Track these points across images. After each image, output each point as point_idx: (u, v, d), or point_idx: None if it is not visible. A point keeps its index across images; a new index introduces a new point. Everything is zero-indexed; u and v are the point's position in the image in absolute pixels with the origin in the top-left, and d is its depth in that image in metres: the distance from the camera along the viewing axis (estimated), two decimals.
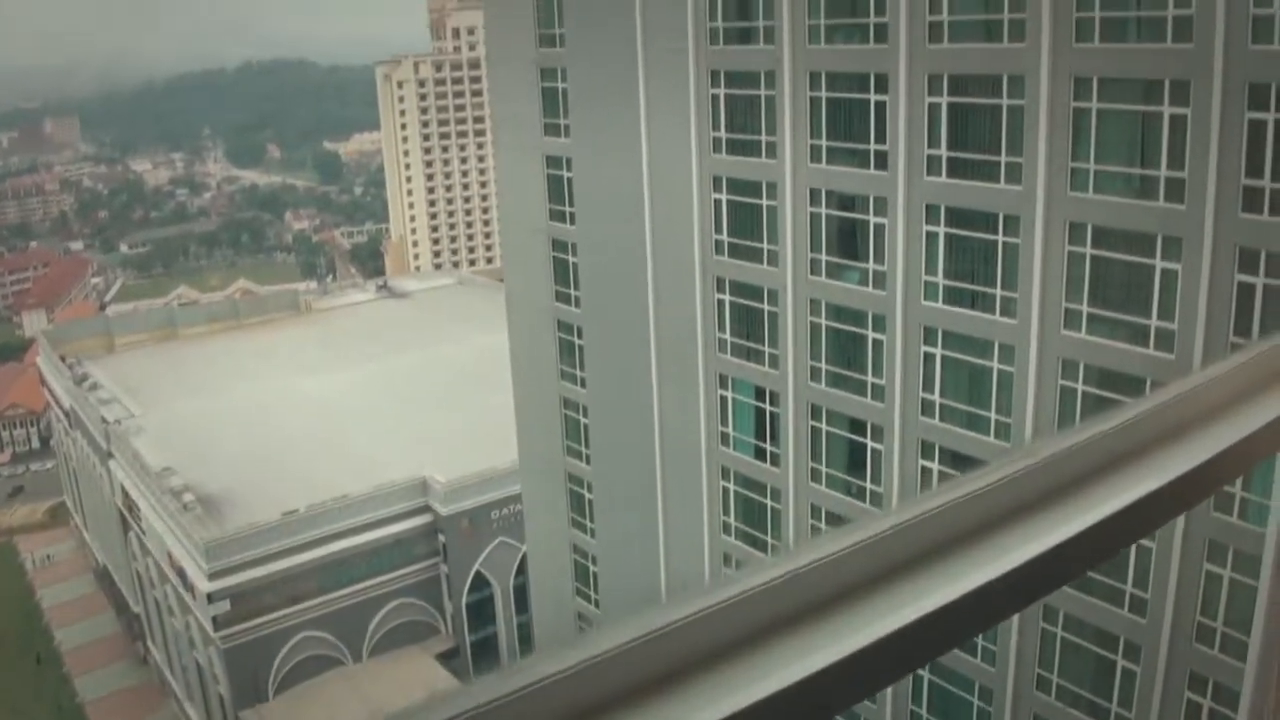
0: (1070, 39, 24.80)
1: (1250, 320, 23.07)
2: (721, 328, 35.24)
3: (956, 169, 27.91)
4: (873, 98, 29.27)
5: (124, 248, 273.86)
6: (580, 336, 41.33)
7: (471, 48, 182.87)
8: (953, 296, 28.82)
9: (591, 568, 44.09)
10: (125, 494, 78.86)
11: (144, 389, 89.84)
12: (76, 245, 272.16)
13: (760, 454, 35.31)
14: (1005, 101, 26.50)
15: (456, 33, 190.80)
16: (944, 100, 27.76)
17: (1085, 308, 26.03)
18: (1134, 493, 1.81)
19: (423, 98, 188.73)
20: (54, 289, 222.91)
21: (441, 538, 71.57)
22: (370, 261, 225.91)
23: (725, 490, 36.65)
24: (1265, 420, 1.97)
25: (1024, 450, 1.85)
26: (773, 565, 1.57)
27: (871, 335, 31.05)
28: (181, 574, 68.42)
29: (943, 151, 28.04)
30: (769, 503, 35.31)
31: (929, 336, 29.58)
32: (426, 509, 71.44)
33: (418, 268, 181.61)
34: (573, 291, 41.11)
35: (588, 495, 43.17)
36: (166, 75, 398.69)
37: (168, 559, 70.71)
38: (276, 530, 66.39)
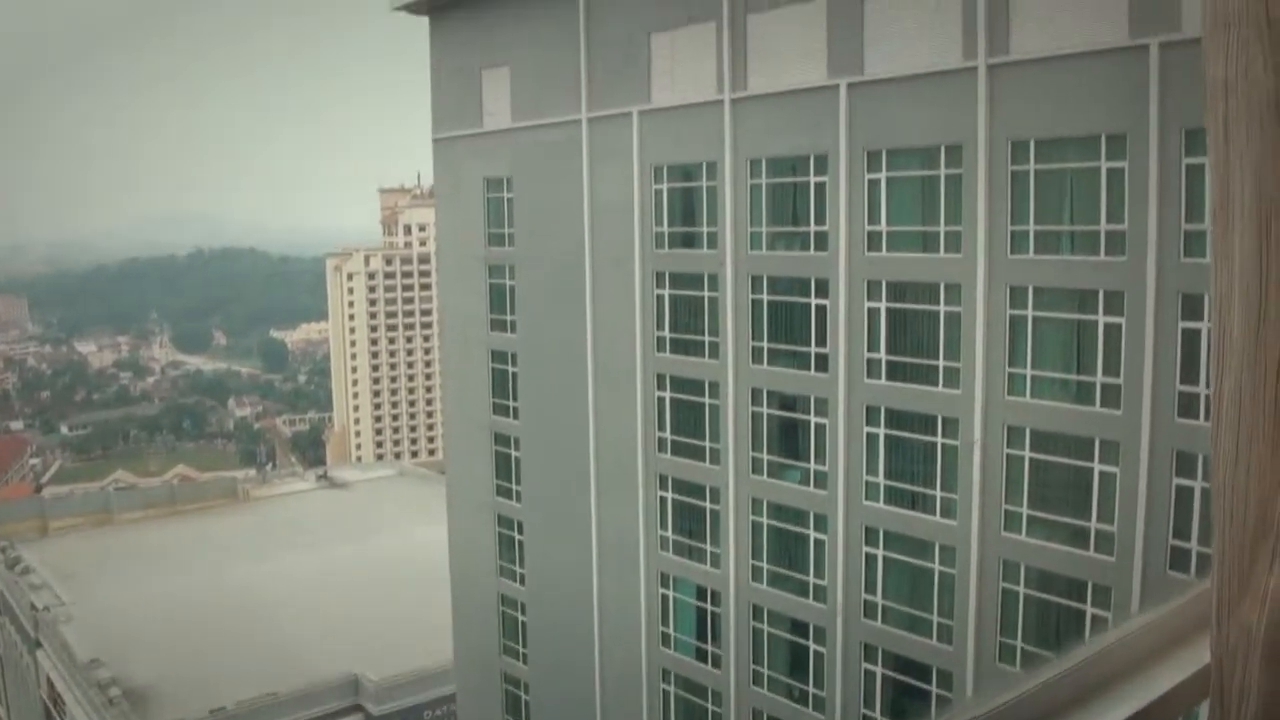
0: (1006, 250, 25.64)
1: (1190, 522, 23.32)
2: (664, 525, 35.06)
3: (896, 372, 28.39)
4: (813, 302, 29.91)
5: (64, 429, 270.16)
6: (521, 532, 40.87)
7: (422, 243, 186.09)
8: (893, 497, 28.95)
9: None
10: (51, 686, 75.82)
11: (76, 575, 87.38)
12: (17, 425, 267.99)
13: (701, 655, 34.68)
14: (943, 308, 27.17)
15: (408, 228, 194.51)
16: (882, 305, 28.42)
17: (1025, 510, 26.20)
18: None
19: (372, 290, 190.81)
20: None
21: None
22: (311, 450, 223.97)
23: (666, 694, 35.81)
24: (1187, 674, 1.92)
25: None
26: None
27: (813, 535, 30.98)
28: None
29: (882, 355, 28.57)
30: (710, 706, 34.51)
31: (870, 537, 29.56)
32: (358, 708, 69.10)
33: (359, 458, 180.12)
34: (514, 486, 40.86)
35: (524, 697, 41.99)
36: (118, 259, 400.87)
37: None
38: None
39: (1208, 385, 19.32)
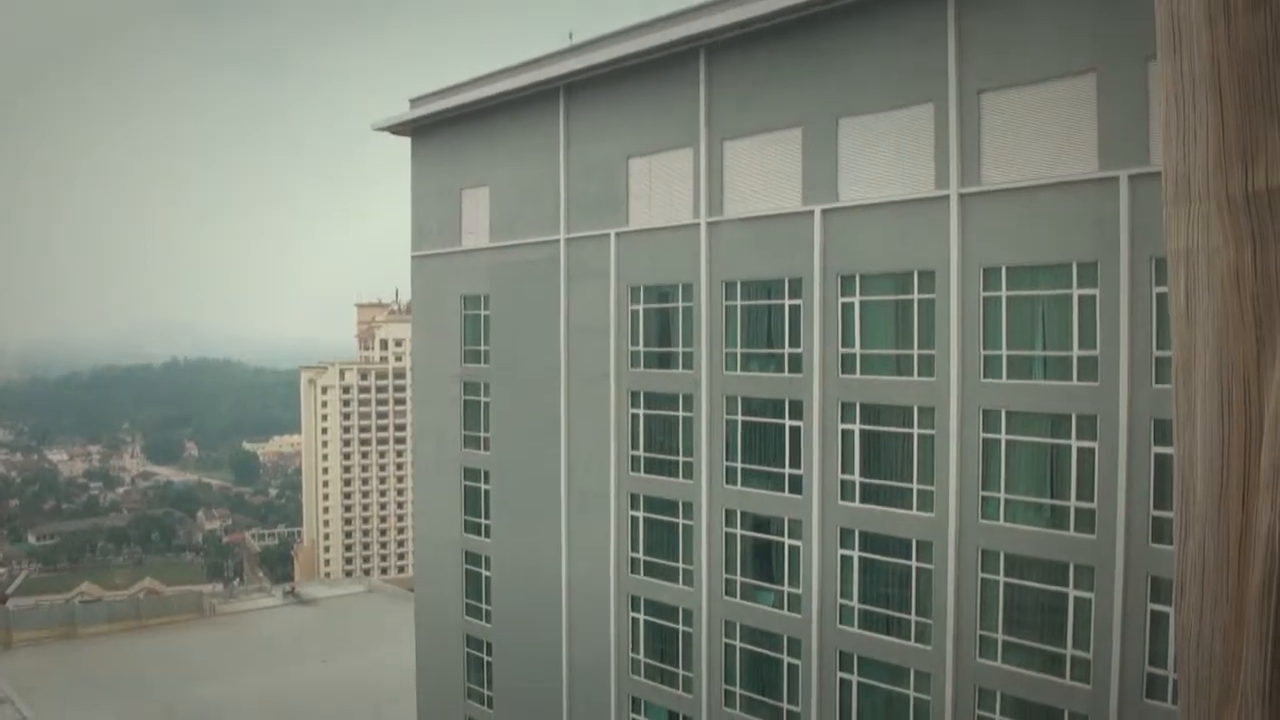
0: (979, 374, 25.86)
1: (1166, 648, 23.15)
2: (636, 649, 34.58)
3: (870, 495, 28.35)
4: (787, 423, 29.99)
5: (32, 538, 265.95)
6: (490, 654, 40.22)
7: (398, 358, 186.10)
8: (868, 621, 28.68)
9: None
10: None
11: (38, 690, 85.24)
12: None
13: None
14: (916, 431, 27.28)
15: (384, 343, 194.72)
16: (856, 427, 28.51)
17: (1000, 635, 25.99)
18: None
19: (346, 404, 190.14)
20: None
21: None
22: (279, 566, 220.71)
23: None
24: None
25: None
26: None
27: (786, 659, 30.59)
28: None
29: (856, 477, 28.56)
30: None
31: (844, 662, 29.20)
32: None
33: (328, 573, 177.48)
34: (484, 606, 40.33)
35: None
36: (92, 366, 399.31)
37: None
38: None
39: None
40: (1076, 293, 24.34)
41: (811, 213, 28.94)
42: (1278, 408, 1.35)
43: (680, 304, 32.83)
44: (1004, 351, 25.62)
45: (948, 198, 26.06)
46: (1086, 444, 24.29)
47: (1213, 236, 1.40)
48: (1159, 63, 1.55)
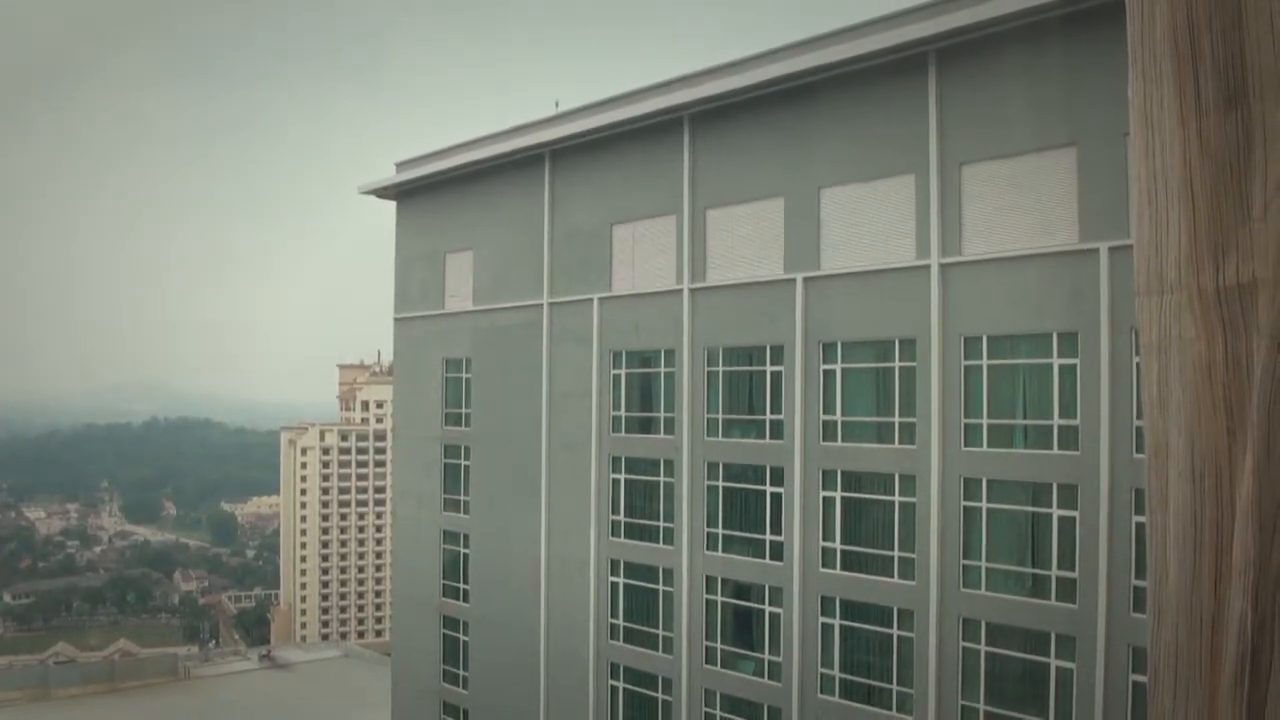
0: (960, 443, 25.92)
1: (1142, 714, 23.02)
2: (615, 717, 34.21)
3: (850, 562, 28.27)
4: (768, 489, 29.94)
5: (7, 597, 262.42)
6: None
7: (379, 420, 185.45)
8: (848, 691, 28.47)
9: None
10: None
11: None
12: None
13: None
14: (897, 498, 27.26)
15: (366, 405, 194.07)
16: (837, 495, 28.48)
17: (982, 705, 25.82)
18: None
19: (325, 465, 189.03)
20: None
21: None
22: (255, 628, 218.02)
23: None
24: None
25: None
26: None
27: None
28: None
29: (837, 544, 28.49)
30: None
31: None
32: None
33: (304, 637, 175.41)
34: (461, 672, 39.90)
35: None
36: (72, 424, 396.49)
37: None
38: None
39: None
40: (1057, 362, 24.49)
41: (794, 280, 29.11)
42: (1249, 497, 1.37)
43: (662, 369, 32.88)
44: (985, 420, 25.71)
45: (929, 267, 26.26)
46: (1067, 513, 24.31)
47: (1185, 328, 1.43)
48: (1131, 159, 1.59)
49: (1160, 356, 1.48)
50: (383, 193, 43.12)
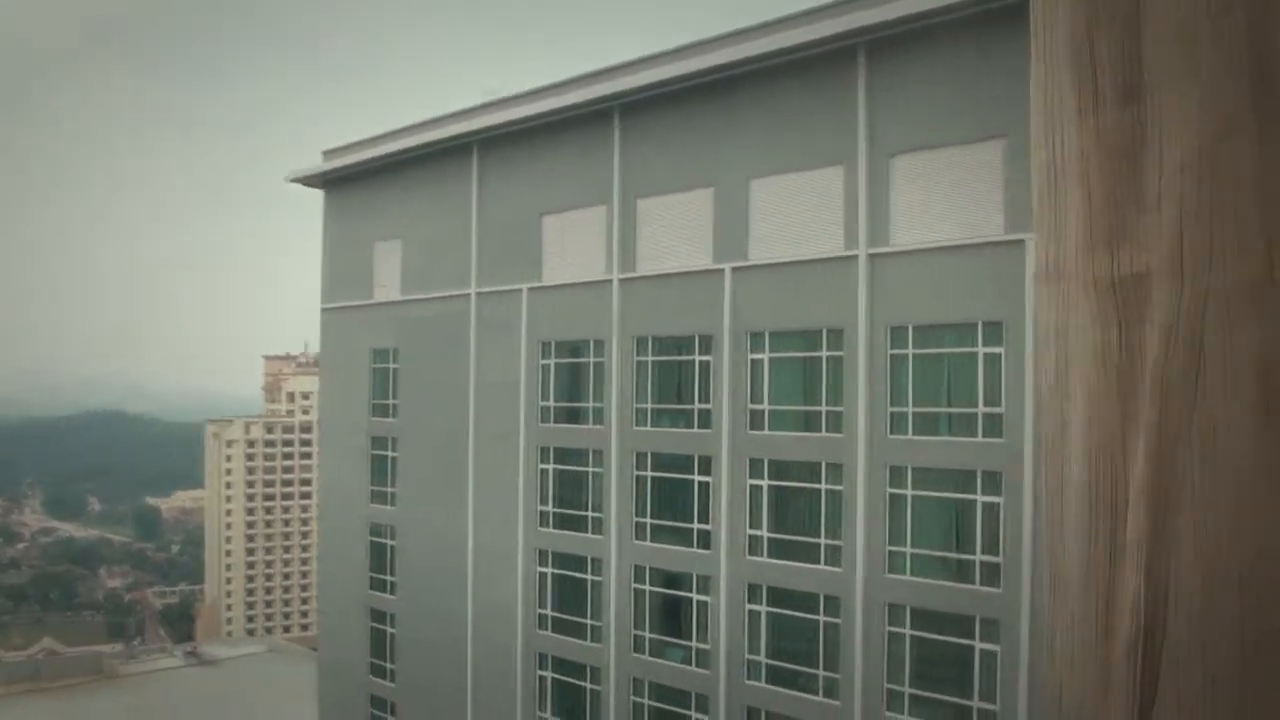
0: (886, 431, 26.22)
1: None
2: (543, 707, 34.20)
3: (778, 550, 28.50)
4: (696, 478, 30.07)
5: None
6: (394, 714, 39.49)
7: (305, 412, 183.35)
8: (776, 677, 28.71)
9: None
10: None
11: None
12: None
13: None
14: (824, 486, 27.51)
15: (291, 396, 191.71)
16: (765, 483, 28.68)
17: (907, 689, 26.17)
18: None
19: (250, 458, 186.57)
20: None
21: None
22: (181, 624, 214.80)
23: None
24: None
25: None
26: None
27: (695, 717, 30.46)
28: None
29: (764, 532, 28.69)
30: None
31: (752, 717, 29.16)
32: None
33: (229, 632, 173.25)
34: (388, 665, 39.65)
35: None
36: None
37: None
38: None
39: None
40: (982, 351, 24.85)
41: (722, 270, 29.24)
42: (1143, 478, 1.41)
43: (591, 359, 32.88)
44: (910, 408, 26.02)
45: (856, 257, 26.51)
46: (991, 499, 24.70)
47: (1081, 315, 1.47)
48: (1032, 149, 1.63)
49: (1058, 342, 1.52)
50: (309, 181, 42.61)
